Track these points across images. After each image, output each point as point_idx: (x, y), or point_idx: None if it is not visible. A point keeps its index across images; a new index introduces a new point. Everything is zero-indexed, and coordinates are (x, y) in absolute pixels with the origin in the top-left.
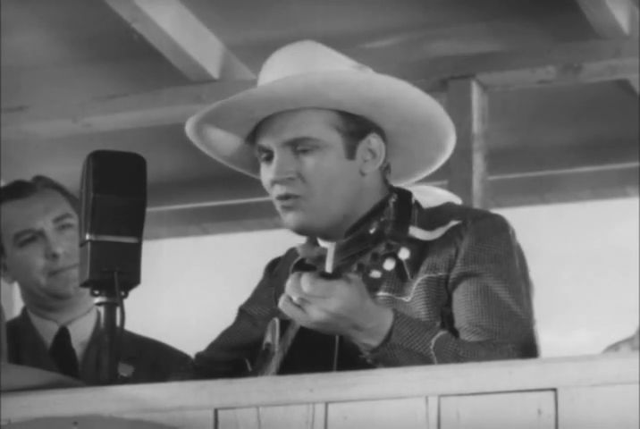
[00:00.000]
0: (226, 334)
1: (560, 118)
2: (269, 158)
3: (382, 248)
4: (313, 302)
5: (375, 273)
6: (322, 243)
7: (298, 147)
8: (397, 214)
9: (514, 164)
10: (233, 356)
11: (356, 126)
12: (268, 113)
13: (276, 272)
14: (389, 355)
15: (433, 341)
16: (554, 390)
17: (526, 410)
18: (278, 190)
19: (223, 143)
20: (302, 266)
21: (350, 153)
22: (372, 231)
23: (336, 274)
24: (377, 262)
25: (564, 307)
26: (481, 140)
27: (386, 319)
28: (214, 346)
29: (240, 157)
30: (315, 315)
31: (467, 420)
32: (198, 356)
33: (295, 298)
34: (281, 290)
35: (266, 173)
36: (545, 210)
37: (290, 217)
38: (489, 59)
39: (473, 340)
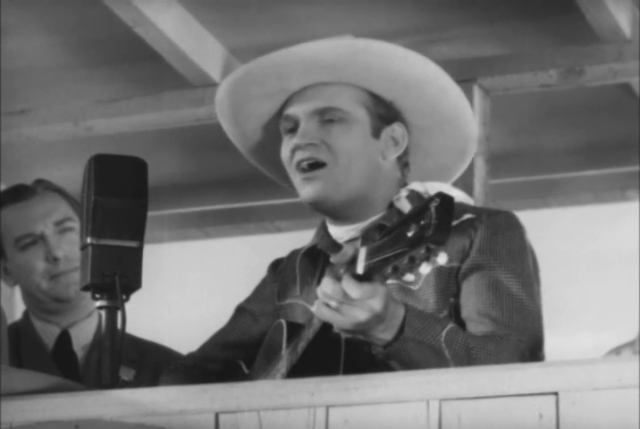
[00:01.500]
0: (222, 332)
1: (562, 122)
2: (293, 129)
3: (421, 252)
4: (357, 304)
5: (409, 277)
6: (333, 230)
7: (326, 116)
8: (439, 218)
9: (515, 168)
10: (227, 354)
11: (384, 111)
12: (302, 83)
13: (280, 269)
14: (402, 349)
15: (443, 334)
16: (555, 393)
17: (528, 414)
18: (300, 156)
19: (249, 123)
20: (312, 254)
21: (375, 132)
22: (410, 234)
23: (367, 275)
24: (413, 265)
25: (566, 311)
26: (483, 144)
27: (398, 312)
28: (209, 344)
29: (260, 144)
30: (359, 315)
31: (468, 424)
32: (190, 355)
33: (333, 303)
34: (285, 286)
35: (288, 145)
36: (546, 214)
37: (309, 189)
38: (491, 63)
39: (480, 331)
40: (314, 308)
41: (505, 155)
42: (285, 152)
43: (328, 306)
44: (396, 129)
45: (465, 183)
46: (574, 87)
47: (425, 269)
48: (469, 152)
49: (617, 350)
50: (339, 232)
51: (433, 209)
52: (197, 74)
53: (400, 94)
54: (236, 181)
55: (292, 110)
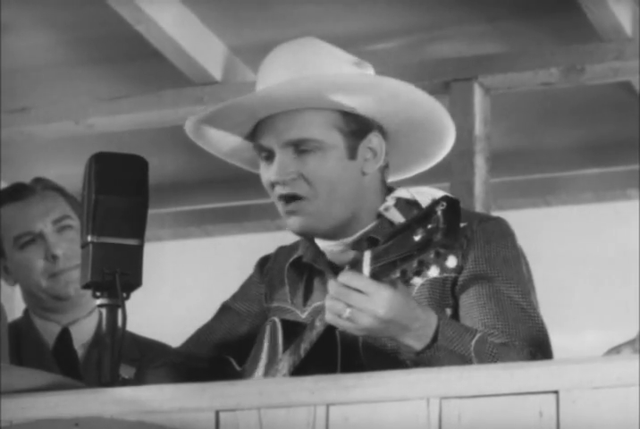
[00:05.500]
0: (208, 330)
1: (563, 120)
2: (269, 157)
3: (430, 256)
4: (361, 306)
5: (417, 280)
6: (319, 243)
7: (300, 147)
8: (447, 222)
9: (516, 167)
10: (215, 353)
11: (357, 125)
12: (270, 114)
13: (267, 269)
14: (433, 357)
15: (473, 343)
16: (556, 392)
17: (528, 412)
18: (280, 190)
19: (223, 140)
20: (298, 265)
21: (352, 153)
22: (417, 238)
23: (374, 279)
24: (422, 269)
25: (570, 309)
26: (483, 142)
27: (431, 320)
28: (193, 342)
29: (240, 154)
30: (365, 322)
31: (469, 422)
32: (177, 351)
33: (346, 313)
34: (272, 288)
35: (266, 173)
36: (547, 212)
37: (293, 221)
38: (491, 61)
39: (497, 342)
40: (327, 317)
41: (505, 153)
42: (264, 180)
43: (339, 315)
44: (372, 139)
45: (465, 182)
46: (575, 85)
47: (433, 272)
48: (449, 142)
49: (617, 349)
50: (326, 245)
51: (440, 213)
52: (198, 72)
53: (372, 110)
54: (236, 179)
55: (265, 140)
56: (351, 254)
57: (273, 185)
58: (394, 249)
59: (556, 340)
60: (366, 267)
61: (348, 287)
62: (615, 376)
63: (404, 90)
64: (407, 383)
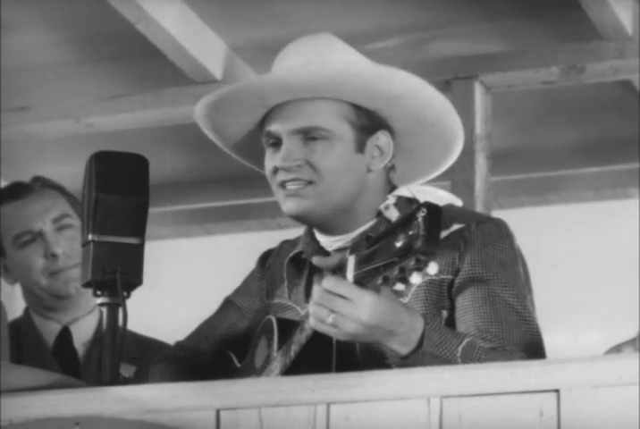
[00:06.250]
0: (210, 325)
1: (563, 119)
2: (276, 144)
3: (410, 263)
4: (344, 312)
5: (400, 286)
6: (320, 238)
7: (309, 135)
8: (427, 229)
9: (517, 165)
10: (217, 348)
11: (367, 121)
12: (281, 100)
13: (269, 265)
14: (418, 362)
15: (460, 349)
16: (556, 391)
17: (529, 412)
18: (283, 176)
19: (231, 130)
20: (297, 260)
21: (360, 147)
22: (399, 244)
23: (358, 284)
24: (404, 275)
25: (568, 309)
26: (484, 141)
27: (417, 324)
28: (196, 336)
29: (246, 149)
30: (349, 327)
31: (469, 421)
32: (179, 346)
33: (330, 319)
34: (273, 284)
35: (271, 160)
36: (548, 211)
37: (291, 203)
38: (492, 60)
39: (486, 347)
40: (311, 323)
41: (506, 152)
42: (268, 167)
43: (322, 321)
44: (380, 137)
45: (466, 180)
46: (575, 84)
47: (415, 279)
48: (455, 150)
49: (618, 348)
50: (326, 241)
51: (420, 219)
52: (198, 71)
53: (383, 106)
54: (237, 178)
55: (274, 127)
56: (336, 258)
57: (275, 171)
58: (377, 255)
59: (556, 340)
60: (350, 273)
61: (331, 293)
62: (615, 375)
63: (417, 86)
64: (407, 382)
